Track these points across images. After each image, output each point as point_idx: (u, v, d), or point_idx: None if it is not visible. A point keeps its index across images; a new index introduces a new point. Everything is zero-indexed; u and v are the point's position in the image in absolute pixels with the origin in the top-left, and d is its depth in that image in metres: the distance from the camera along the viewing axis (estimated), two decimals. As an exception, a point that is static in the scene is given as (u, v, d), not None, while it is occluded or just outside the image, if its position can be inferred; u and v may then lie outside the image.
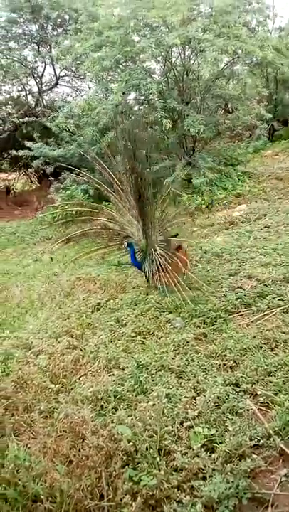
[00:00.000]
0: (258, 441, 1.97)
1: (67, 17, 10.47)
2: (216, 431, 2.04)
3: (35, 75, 11.22)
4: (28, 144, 8.71)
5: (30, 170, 11.17)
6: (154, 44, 6.34)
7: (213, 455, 1.90)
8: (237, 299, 3.35)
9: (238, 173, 7.36)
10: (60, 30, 10.65)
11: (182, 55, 7.34)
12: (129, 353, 2.88)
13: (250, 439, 1.96)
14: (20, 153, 8.92)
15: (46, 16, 9.90)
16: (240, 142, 8.64)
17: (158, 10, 6.23)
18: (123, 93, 6.90)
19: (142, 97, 7.76)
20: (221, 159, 7.63)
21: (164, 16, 6.22)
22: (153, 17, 6.26)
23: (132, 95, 7.95)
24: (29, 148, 8.71)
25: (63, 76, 11.71)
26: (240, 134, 9.26)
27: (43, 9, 9.64)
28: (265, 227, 5.10)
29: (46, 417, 2.32)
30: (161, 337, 3.01)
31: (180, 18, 6.14)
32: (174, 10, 6.17)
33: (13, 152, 9.32)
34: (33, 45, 10.80)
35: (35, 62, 11.09)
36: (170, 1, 6.36)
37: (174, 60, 7.47)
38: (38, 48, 10.81)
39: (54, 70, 11.36)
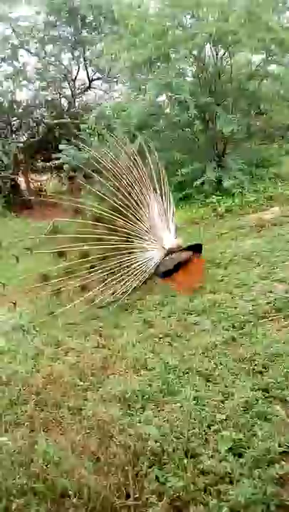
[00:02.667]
0: (288, 447, 1.92)
1: (102, 19, 10.61)
2: (244, 435, 2.01)
3: (69, 78, 11.43)
4: (60, 146, 8.90)
5: (62, 170, 11.42)
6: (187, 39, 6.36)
7: (240, 459, 1.88)
8: (267, 303, 3.28)
9: (270, 176, 7.22)
10: (94, 33, 10.81)
11: (214, 54, 7.28)
12: (157, 354, 2.88)
13: (280, 446, 1.92)
14: (52, 159, 9.16)
15: (82, 18, 10.06)
16: (272, 144, 8.48)
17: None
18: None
19: (174, 98, 7.76)
20: (253, 161, 7.51)
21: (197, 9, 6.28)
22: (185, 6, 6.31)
23: (163, 97, 7.96)
24: (61, 151, 8.90)
25: (96, 79, 11.87)
26: (272, 135, 9.08)
27: (80, 12, 9.81)
28: (298, 230, 4.98)
29: (75, 413, 2.36)
30: (189, 339, 3.00)
31: (215, 16, 6.15)
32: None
33: (39, 164, 9.60)
34: (68, 47, 11.01)
35: (70, 65, 11.30)
36: None
37: (206, 60, 7.42)
38: (73, 50, 11.00)
39: (87, 72, 11.54)
